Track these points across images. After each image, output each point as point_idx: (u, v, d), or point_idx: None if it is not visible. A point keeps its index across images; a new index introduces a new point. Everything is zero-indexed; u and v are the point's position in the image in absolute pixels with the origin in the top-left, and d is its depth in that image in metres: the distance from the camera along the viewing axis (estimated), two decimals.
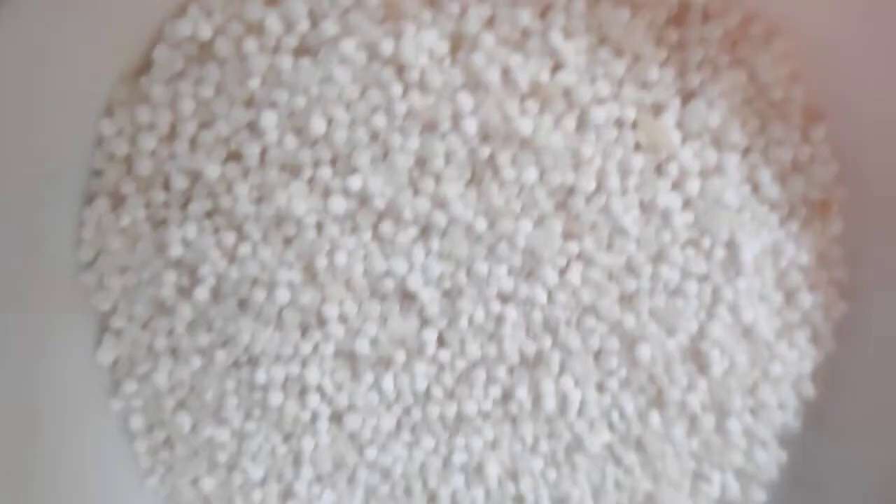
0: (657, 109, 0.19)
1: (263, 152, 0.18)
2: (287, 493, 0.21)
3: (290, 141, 0.18)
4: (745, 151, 0.20)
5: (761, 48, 0.19)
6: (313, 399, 0.20)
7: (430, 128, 0.18)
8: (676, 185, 0.19)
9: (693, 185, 0.19)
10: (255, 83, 0.17)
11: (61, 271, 0.19)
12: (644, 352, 0.20)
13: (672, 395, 0.21)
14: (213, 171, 0.18)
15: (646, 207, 0.19)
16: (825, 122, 0.20)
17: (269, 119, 0.17)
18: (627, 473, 0.23)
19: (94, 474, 0.20)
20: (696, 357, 0.21)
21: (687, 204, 0.20)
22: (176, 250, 0.18)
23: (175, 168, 0.18)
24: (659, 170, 0.19)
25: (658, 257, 0.20)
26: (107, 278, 0.19)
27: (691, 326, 0.21)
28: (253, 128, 0.18)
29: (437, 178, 0.18)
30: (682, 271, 0.20)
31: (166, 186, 0.18)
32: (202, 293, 0.19)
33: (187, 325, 0.19)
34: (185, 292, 0.19)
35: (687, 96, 0.19)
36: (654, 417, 0.21)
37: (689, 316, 0.20)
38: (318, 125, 0.17)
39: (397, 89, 0.17)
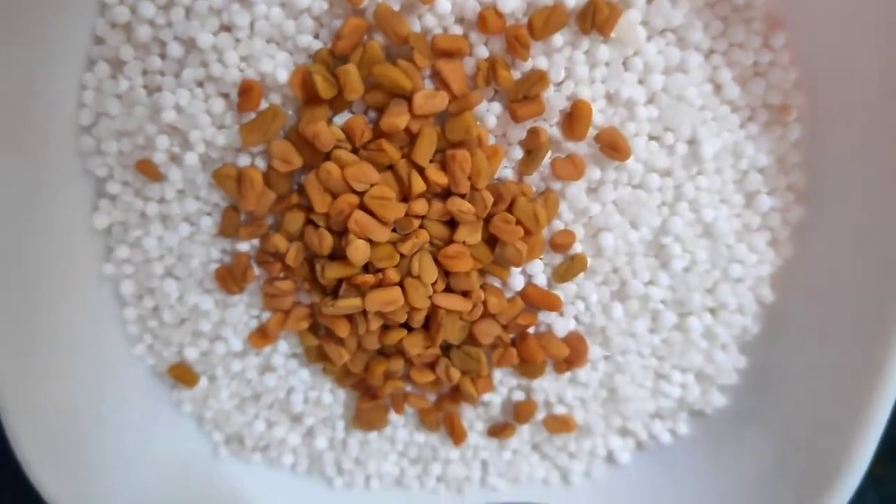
0: (624, 5, 0.20)
1: (252, 23, 0.19)
2: (266, 367, 0.22)
3: (276, 13, 0.19)
4: (708, 53, 0.21)
5: None
6: None
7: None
8: (641, 80, 0.21)
9: (657, 80, 0.20)
10: None
11: (62, 137, 0.20)
12: (608, 241, 0.21)
13: (634, 287, 0.22)
14: (205, 39, 0.19)
15: (611, 99, 0.21)
16: (786, 30, 0.21)
17: None
18: (592, 368, 0.24)
19: (84, 339, 0.21)
20: (659, 252, 0.22)
21: (651, 99, 0.21)
22: (169, 115, 0.19)
23: (171, 36, 0.19)
24: (625, 63, 0.20)
25: None
26: (104, 143, 0.20)
27: (654, 220, 0.21)
28: None
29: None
30: (646, 164, 0.21)
31: (162, 55, 0.20)
32: (192, 159, 0.20)
33: (177, 192, 0.20)
34: (176, 159, 0.20)
35: None
36: (618, 310, 0.22)
37: (652, 209, 0.21)
38: None
39: None
